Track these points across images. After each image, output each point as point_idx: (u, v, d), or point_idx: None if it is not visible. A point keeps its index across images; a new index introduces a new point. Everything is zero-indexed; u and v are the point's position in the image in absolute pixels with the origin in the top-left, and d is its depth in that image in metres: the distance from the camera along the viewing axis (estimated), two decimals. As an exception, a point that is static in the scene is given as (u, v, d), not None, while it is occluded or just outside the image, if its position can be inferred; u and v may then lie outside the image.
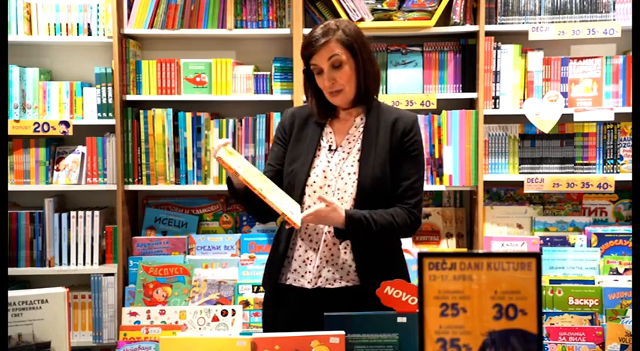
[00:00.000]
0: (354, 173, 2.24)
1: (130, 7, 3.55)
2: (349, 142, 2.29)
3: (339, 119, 2.33)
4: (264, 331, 2.38)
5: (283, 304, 2.30)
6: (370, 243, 2.24)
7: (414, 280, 1.99)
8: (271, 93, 3.56)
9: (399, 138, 2.26)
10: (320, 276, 2.23)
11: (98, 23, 3.55)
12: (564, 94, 3.51)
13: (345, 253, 2.24)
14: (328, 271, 2.23)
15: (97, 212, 3.59)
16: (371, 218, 2.18)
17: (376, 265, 2.24)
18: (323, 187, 2.25)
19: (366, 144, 2.26)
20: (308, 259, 2.26)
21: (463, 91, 3.56)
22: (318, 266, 2.24)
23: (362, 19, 3.46)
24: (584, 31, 3.42)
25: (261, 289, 3.23)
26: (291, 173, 2.30)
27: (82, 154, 3.61)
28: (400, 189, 2.26)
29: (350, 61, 2.23)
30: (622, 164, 3.52)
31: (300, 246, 2.27)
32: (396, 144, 2.26)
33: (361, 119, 2.31)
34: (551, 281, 3.28)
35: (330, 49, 2.21)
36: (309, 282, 2.24)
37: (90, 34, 3.57)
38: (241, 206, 2.99)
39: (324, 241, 2.24)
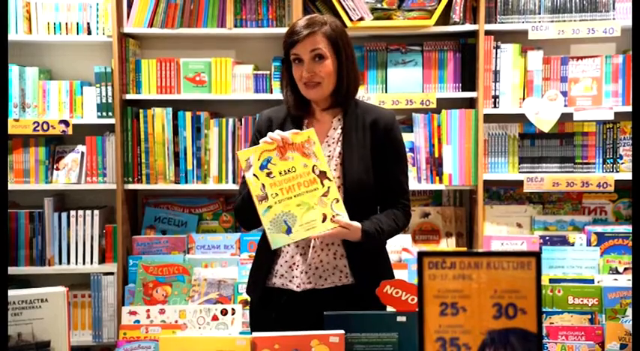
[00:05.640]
0: (338, 178, 2.18)
1: (129, 6, 3.55)
2: (329, 145, 2.21)
3: (316, 121, 2.24)
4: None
5: (272, 307, 2.23)
6: (363, 248, 2.18)
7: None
8: (271, 92, 3.56)
9: (381, 138, 2.21)
10: (309, 281, 2.18)
11: (98, 22, 3.55)
12: (564, 94, 3.51)
13: (335, 257, 2.19)
14: (317, 275, 2.18)
15: (96, 211, 3.59)
16: (381, 229, 2.15)
17: (368, 268, 2.20)
18: None
19: (347, 147, 2.20)
20: (295, 264, 2.20)
21: (463, 91, 3.56)
22: (307, 272, 2.18)
23: (362, 19, 3.45)
24: (584, 31, 3.42)
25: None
26: None
27: (82, 153, 3.61)
28: (392, 190, 2.23)
29: (332, 57, 2.16)
30: (621, 163, 3.52)
31: (286, 252, 2.21)
32: (378, 144, 2.21)
33: (339, 120, 2.24)
34: (551, 280, 3.28)
35: (315, 42, 2.14)
36: (297, 286, 2.19)
37: (89, 33, 3.57)
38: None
39: (312, 246, 2.19)
